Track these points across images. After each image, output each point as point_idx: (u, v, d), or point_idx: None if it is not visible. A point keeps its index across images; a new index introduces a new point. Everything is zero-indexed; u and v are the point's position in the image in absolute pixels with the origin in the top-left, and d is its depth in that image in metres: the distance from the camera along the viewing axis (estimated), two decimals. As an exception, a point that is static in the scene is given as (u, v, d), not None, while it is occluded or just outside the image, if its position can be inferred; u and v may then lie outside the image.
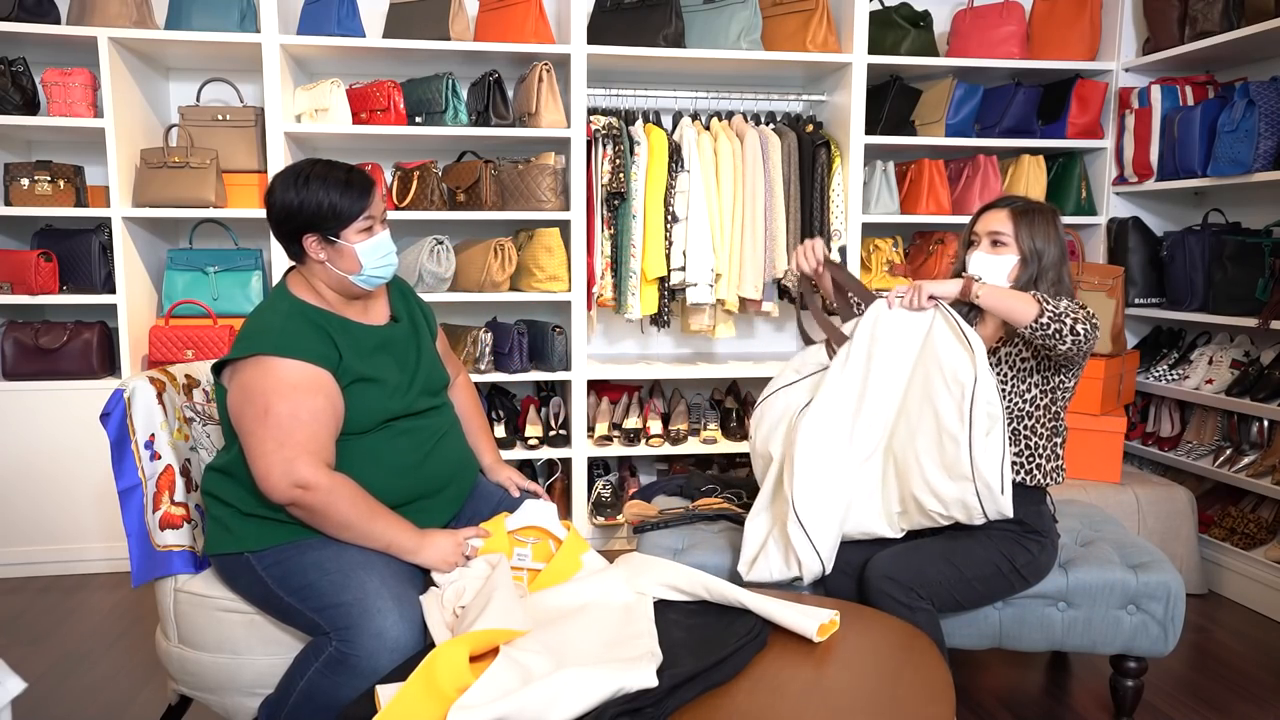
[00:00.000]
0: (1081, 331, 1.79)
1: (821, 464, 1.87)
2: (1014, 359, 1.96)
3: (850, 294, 2.05)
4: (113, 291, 3.01)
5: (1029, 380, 1.95)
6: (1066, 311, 1.79)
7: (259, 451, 1.58)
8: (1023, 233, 1.95)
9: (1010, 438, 1.96)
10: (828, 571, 1.91)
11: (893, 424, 1.89)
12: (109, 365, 3.10)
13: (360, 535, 1.63)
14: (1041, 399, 1.96)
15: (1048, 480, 1.96)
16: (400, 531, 1.66)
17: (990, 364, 1.93)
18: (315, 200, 1.66)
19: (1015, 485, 1.95)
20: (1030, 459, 1.96)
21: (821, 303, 2.09)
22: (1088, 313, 1.82)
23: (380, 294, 1.86)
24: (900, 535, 1.94)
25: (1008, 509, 1.81)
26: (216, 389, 1.71)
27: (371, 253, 1.71)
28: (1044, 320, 1.79)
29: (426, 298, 3.06)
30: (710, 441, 3.33)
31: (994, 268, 1.97)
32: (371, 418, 1.70)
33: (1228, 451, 3.02)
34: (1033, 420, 1.96)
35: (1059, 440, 1.98)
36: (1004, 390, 1.96)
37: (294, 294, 1.74)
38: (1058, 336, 1.79)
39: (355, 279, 1.72)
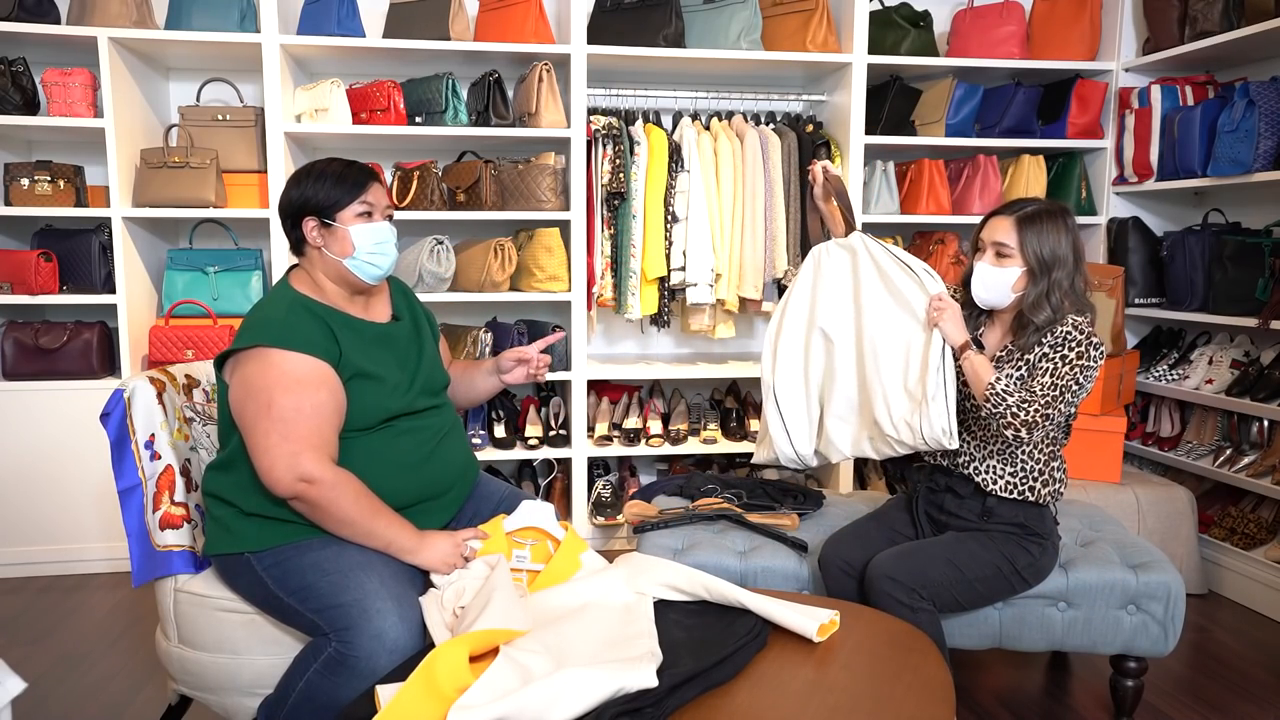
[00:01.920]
0: (1024, 430, 1.83)
1: (792, 364, 2.20)
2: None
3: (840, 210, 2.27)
4: (113, 291, 3.01)
5: None
6: (1014, 408, 1.83)
7: (262, 445, 1.58)
8: (1029, 243, 1.87)
9: (1006, 458, 1.96)
10: (800, 455, 2.19)
11: (859, 355, 2.10)
12: (109, 365, 3.11)
13: (361, 533, 1.63)
14: None
15: (1042, 501, 1.96)
16: (400, 531, 1.66)
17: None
18: (315, 187, 1.72)
19: (1012, 501, 1.95)
20: (1024, 480, 1.95)
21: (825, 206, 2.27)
22: (1047, 401, 1.82)
23: (382, 293, 1.86)
24: (849, 455, 2.15)
25: (946, 440, 1.95)
26: (218, 384, 1.71)
27: (366, 236, 1.73)
28: (986, 408, 1.87)
29: (426, 298, 3.07)
30: (710, 441, 3.33)
31: (995, 280, 1.92)
32: (372, 415, 1.70)
33: (1228, 451, 3.02)
34: (1030, 445, 1.95)
35: (1056, 464, 1.97)
36: None
37: (296, 289, 1.75)
38: (998, 424, 1.87)
39: (349, 263, 1.73)
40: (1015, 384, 1.88)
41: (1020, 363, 1.92)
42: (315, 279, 1.76)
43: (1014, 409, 1.82)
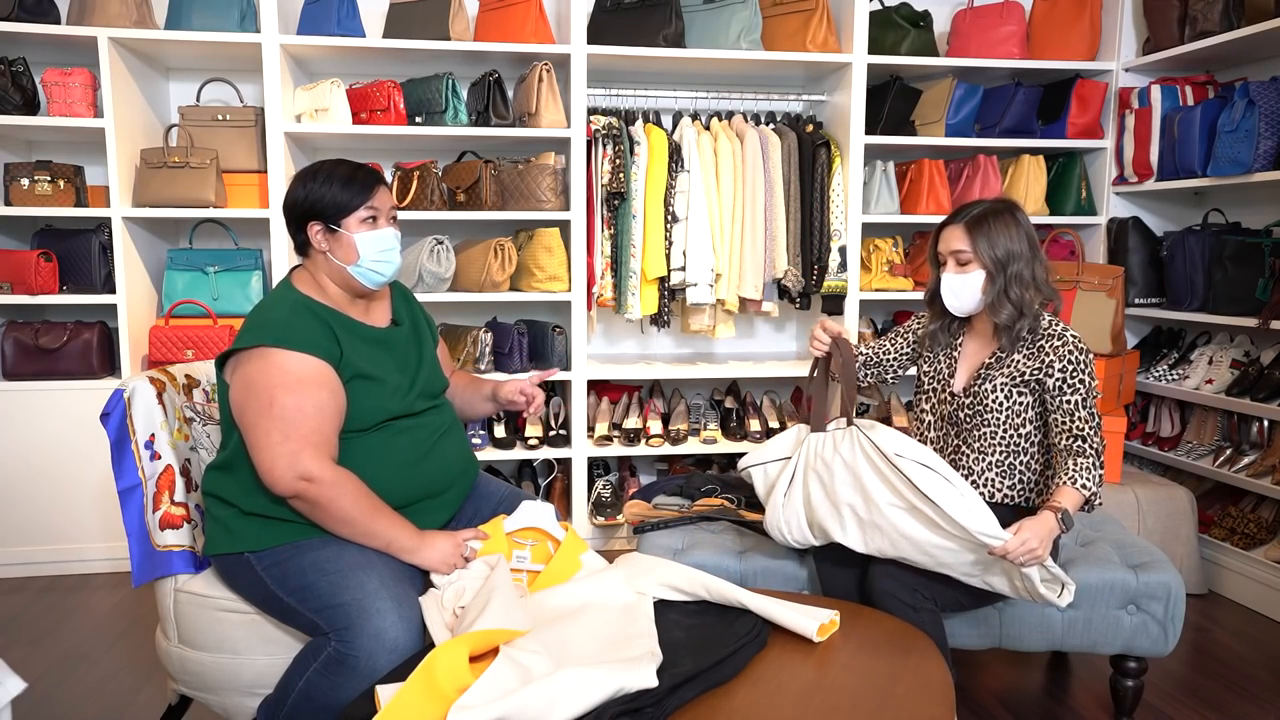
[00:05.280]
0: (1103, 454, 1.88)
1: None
2: (1012, 395, 1.95)
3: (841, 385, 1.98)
4: (113, 291, 3.01)
5: (1024, 416, 1.95)
6: (1098, 466, 1.84)
7: (264, 444, 1.58)
8: (981, 245, 1.91)
9: (1005, 470, 1.98)
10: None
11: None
12: (109, 365, 3.10)
13: (361, 532, 1.63)
14: (1035, 435, 1.97)
15: (1036, 506, 1.98)
16: (401, 531, 1.67)
17: (987, 391, 1.95)
18: (320, 191, 1.71)
19: (1010, 507, 1.97)
20: (1021, 492, 1.98)
21: (827, 379, 2.03)
22: (1098, 422, 1.87)
23: (383, 297, 1.87)
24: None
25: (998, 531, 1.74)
26: (218, 384, 1.71)
27: (370, 245, 1.73)
28: (1099, 499, 1.86)
29: (426, 298, 3.07)
30: (710, 441, 3.33)
31: (963, 288, 1.94)
32: (371, 416, 1.70)
33: (1228, 451, 3.02)
34: (1027, 456, 1.97)
35: (1050, 473, 1.99)
36: (998, 423, 1.96)
37: (298, 289, 1.75)
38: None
39: (353, 270, 1.73)
40: (1080, 462, 1.84)
41: (1015, 372, 1.93)
42: (318, 280, 1.77)
43: (1099, 467, 1.85)
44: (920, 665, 1.53)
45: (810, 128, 3.29)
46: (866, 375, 2.20)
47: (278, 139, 3.01)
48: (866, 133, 3.25)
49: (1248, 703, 2.27)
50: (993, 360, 1.98)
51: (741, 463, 2.09)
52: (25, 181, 2.97)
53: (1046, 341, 1.92)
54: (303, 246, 1.76)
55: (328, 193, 1.71)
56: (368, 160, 3.28)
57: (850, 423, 1.89)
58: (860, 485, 1.83)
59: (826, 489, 1.89)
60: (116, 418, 1.77)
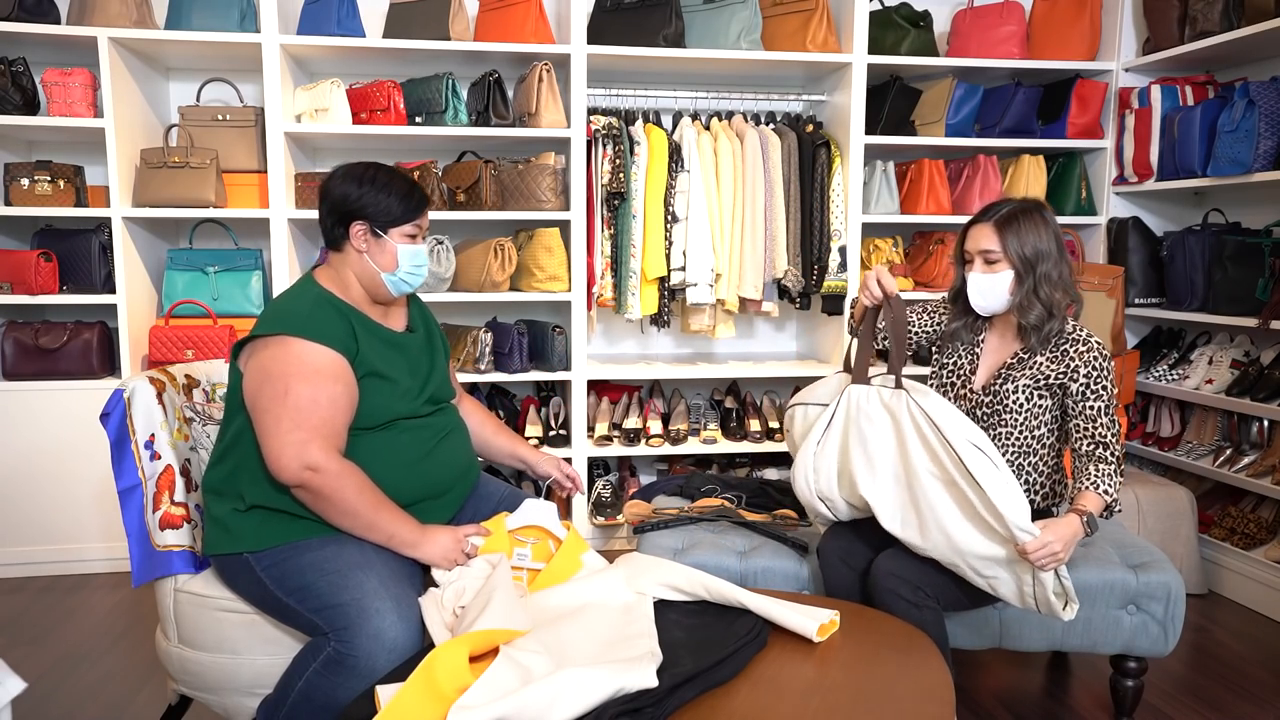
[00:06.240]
0: (1122, 462, 1.91)
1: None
2: (1033, 396, 1.94)
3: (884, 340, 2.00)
4: (113, 291, 3.01)
5: (1041, 419, 1.95)
6: (1117, 473, 1.87)
7: (274, 431, 1.59)
8: (1011, 244, 1.89)
9: (1015, 470, 1.97)
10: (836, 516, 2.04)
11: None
12: (109, 365, 3.10)
13: (364, 525, 1.64)
14: (1048, 438, 1.97)
15: (1042, 508, 1.99)
16: (403, 525, 1.67)
17: (1007, 391, 1.95)
18: (376, 197, 1.73)
19: None
20: (1028, 493, 1.98)
21: (873, 331, 2.00)
22: (1116, 430, 1.89)
23: (400, 304, 1.89)
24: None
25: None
26: (231, 371, 1.72)
27: (410, 258, 1.77)
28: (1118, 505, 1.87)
29: (427, 298, 3.07)
30: (710, 441, 3.32)
31: (993, 287, 1.93)
32: (379, 415, 1.71)
33: (1228, 451, 3.02)
34: (1037, 458, 1.97)
35: (1058, 477, 2.00)
36: (1015, 423, 1.95)
37: (321, 285, 1.77)
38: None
39: (387, 277, 1.76)
40: (1102, 468, 1.85)
41: (1038, 374, 1.93)
42: (343, 277, 1.78)
43: (1119, 474, 1.87)
44: (920, 665, 1.53)
45: (810, 128, 3.29)
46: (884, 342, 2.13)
47: (278, 139, 3.01)
48: (866, 133, 3.25)
49: (1248, 703, 2.27)
50: (1014, 361, 1.97)
51: (790, 400, 2.10)
52: (25, 181, 2.97)
53: (1071, 346, 1.92)
54: (337, 240, 1.77)
55: (384, 200, 1.73)
56: (368, 160, 3.28)
57: (899, 384, 1.89)
58: (902, 447, 1.84)
59: (864, 441, 1.89)
60: (116, 418, 1.77)
